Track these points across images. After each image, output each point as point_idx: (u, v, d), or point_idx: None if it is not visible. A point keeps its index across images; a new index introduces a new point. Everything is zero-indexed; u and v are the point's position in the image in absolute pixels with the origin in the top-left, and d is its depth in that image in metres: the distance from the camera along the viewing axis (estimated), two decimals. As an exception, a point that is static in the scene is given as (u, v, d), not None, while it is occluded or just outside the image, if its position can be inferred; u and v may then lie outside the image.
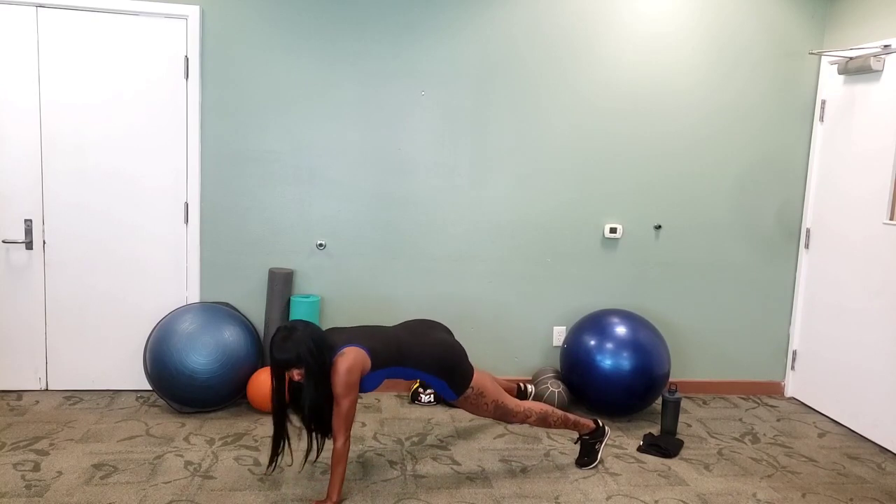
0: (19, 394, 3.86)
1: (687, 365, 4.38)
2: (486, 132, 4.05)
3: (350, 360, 2.68)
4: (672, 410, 3.60)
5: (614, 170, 4.17)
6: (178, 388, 3.57)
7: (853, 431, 3.87)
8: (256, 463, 3.14)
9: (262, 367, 3.84)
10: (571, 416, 3.19)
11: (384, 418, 3.77)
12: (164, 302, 3.93)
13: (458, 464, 3.23)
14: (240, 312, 3.97)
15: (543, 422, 3.11)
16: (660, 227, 4.24)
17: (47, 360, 3.89)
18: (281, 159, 3.93)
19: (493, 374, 4.11)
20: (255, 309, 4.01)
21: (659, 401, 4.10)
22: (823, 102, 4.19)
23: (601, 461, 3.31)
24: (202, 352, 3.56)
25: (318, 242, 4.01)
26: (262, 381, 3.66)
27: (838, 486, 3.18)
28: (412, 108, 3.98)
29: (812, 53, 4.12)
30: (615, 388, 3.69)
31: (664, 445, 3.44)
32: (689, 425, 3.85)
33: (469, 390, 2.92)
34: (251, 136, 3.89)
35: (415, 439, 3.49)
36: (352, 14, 3.88)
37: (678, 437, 3.65)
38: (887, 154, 3.66)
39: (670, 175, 4.21)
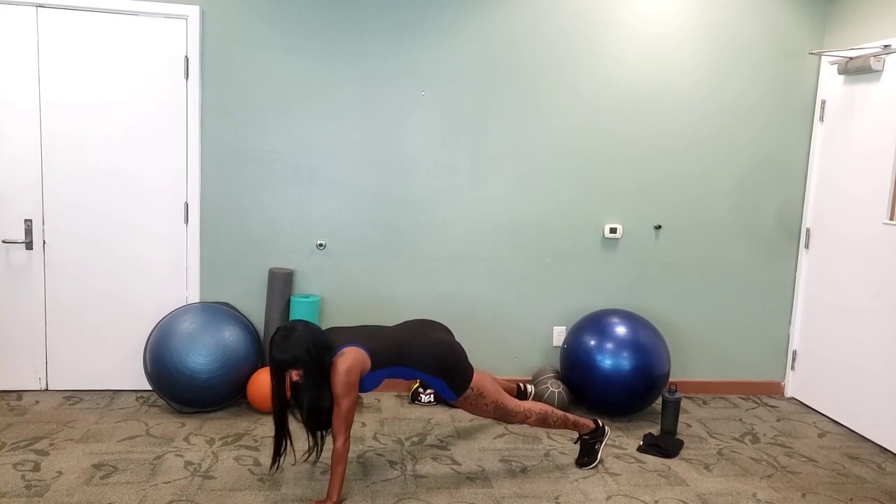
0: (19, 394, 3.86)
1: (687, 365, 4.38)
2: (486, 132, 4.05)
3: (350, 360, 2.68)
4: (672, 410, 3.60)
5: (614, 170, 4.17)
6: (178, 388, 3.57)
7: (853, 431, 3.87)
8: (256, 463, 3.14)
9: (262, 367, 3.84)
10: (571, 416, 3.19)
11: (384, 418, 3.77)
12: (164, 302, 3.93)
13: (458, 464, 3.23)
14: (240, 312, 3.97)
15: (543, 422, 3.11)
16: (660, 227, 4.24)
17: (47, 360, 3.89)
18: (281, 159, 3.93)
19: (492, 375, 4.12)
20: (255, 309, 4.01)
21: (659, 401, 4.10)
22: (823, 102, 4.19)
23: (601, 461, 3.31)
24: (202, 352, 3.56)
25: (318, 242, 4.01)
26: (262, 381, 3.66)
27: (838, 486, 3.18)
28: (412, 108, 3.98)
29: (812, 53, 4.12)
30: (615, 388, 3.69)
31: (664, 445, 3.44)
32: (689, 425, 3.85)
33: (469, 391, 2.92)
34: (251, 136, 3.90)
35: (415, 439, 3.49)
36: (352, 14, 3.88)
37: (678, 437, 3.65)
38: (887, 154, 3.66)
39: (670, 175, 4.21)
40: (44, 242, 3.80)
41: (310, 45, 3.87)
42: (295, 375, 2.68)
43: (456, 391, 2.90)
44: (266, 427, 3.56)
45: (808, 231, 4.30)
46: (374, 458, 3.24)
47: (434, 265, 4.12)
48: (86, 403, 3.77)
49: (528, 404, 3.09)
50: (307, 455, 2.96)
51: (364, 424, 3.66)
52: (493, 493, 2.95)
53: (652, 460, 3.37)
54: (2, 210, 3.75)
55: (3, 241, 3.76)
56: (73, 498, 2.75)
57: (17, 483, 2.85)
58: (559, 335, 4.26)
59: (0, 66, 3.65)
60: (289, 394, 2.79)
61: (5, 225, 3.76)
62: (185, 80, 3.80)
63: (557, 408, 3.81)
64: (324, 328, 3.92)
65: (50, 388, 3.92)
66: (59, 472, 2.96)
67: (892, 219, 3.63)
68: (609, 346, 3.71)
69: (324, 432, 2.85)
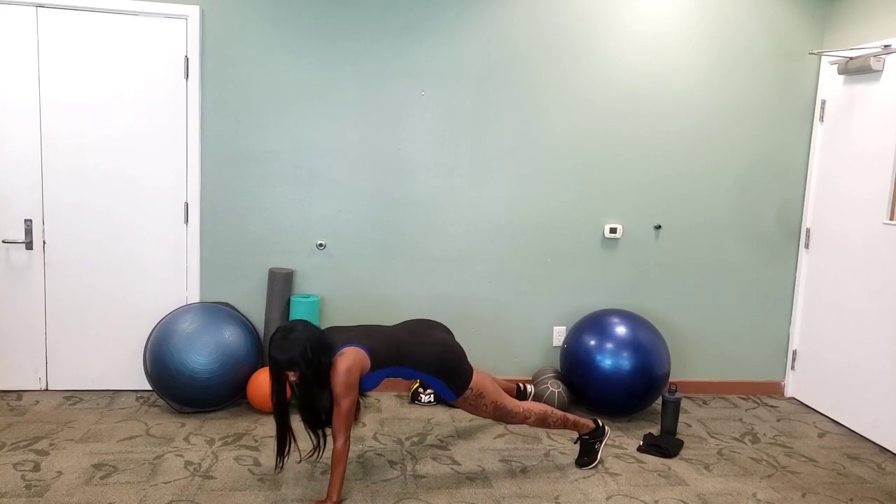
0: (19, 394, 3.86)
1: (687, 365, 4.38)
2: (486, 132, 4.05)
3: (350, 360, 2.68)
4: (672, 410, 3.60)
5: (614, 170, 4.17)
6: (178, 388, 3.57)
7: (853, 431, 3.87)
8: (256, 463, 3.14)
9: (262, 367, 3.84)
10: (571, 416, 3.19)
11: (384, 418, 3.77)
12: (164, 302, 3.93)
13: (458, 464, 3.23)
14: (240, 312, 3.97)
15: (543, 422, 3.11)
16: (660, 227, 4.24)
17: (47, 360, 3.89)
18: (281, 159, 3.93)
19: (492, 375, 4.12)
20: (255, 309, 4.01)
21: (659, 401, 4.10)
22: (823, 102, 4.19)
23: (601, 461, 3.31)
24: (202, 352, 3.56)
25: (318, 242, 4.01)
26: (262, 381, 3.66)
27: (838, 486, 3.18)
28: (412, 108, 3.98)
29: (812, 53, 4.12)
30: (615, 388, 3.69)
31: (664, 445, 3.44)
32: (689, 425, 3.85)
33: (468, 391, 2.92)
34: (251, 136, 3.90)
35: (415, 439, 3.49)
36: (352, 14, 3.88)
37: (678, 437, 3.65)
38: (887, 154, 3.66)
39: (670, 175, 4.21)
40: (44, 242, 3.80)
41: (310, 45, 3.87)
42: (292, 376, 2.69)
43: (455, 391, 2.90)
44: (266, 427, 3.56)
45: (808, 231, 4.30)
46: (374, 458, 3.24)
47: (434, 265, 4.12)
48: (86, 403, 3.77)
49: (528, 404, 3.09)
50: (312, 454, 2.96)
51: (364, 424, 3.66)
52: (493, 493, 2.95)
53: (652, 460, 3.37)
54: (2, 210, 3.75)
55: (3, 241, 3.76)
56: (73, 498, 2.75)
57: (17, 483, 2.85)
58: (559, 335, 4.26)
59: (0, 66, 3.65)
60: (289, 394, 2.79)
61: (5, 225, 3.76)
62: (185, 80, 3.80)
63: (557, 408, 3.81)
64: (324, 328, 3.92)
65: (50, 388, 3.92)
66: (59, 472, 2.96)
67: (892, 219, 3.63)
68: (609, 346, 3.71)
69: (325, 431, 2.85)
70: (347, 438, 2.72)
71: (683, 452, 3.48)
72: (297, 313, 3.82)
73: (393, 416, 3.80)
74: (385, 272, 4.09)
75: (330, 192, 3.99)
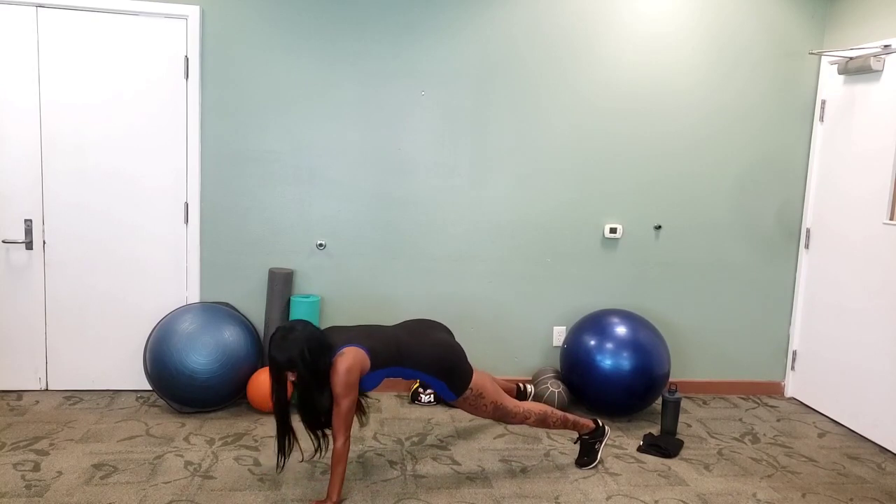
0: (19, 394, 3.86)
1: (687, 365, 4.38)
2: (486, 132, 4.05)
3: (349, 360, 2.69)
4: (672, 410, 3.60)
5: (614, 170, 4.17)
6: (178, 388, 3.57)
7: (853, 431, 3.87)
8: (256, 463, 3.14)
9: (262, 367, 3.84)
10: (571, 416, 3.19)
11: (384, 418, 3.77)
12: (164, 302, 3.93)
13: (458, 464, 3.23)
14: (240, 312, 3.97)
15: (543, 422, 3.11)
16: (660, 227, 4.24)
17: (47, 360, 3.89)
18: (281, 159, 3.93)
19: (492, 375, 4.12)
20: (255, 309, 4.01)
21: (659, 401, 4.10)
22: (823, 102, 4.19)
23: (601, 461, 3.31)
24: (202, 352, 3.56)
25: (318, 242, 4.01)
26: (262, 381, 3.66)
27: (838, 486, 3.18)
28: (412, 108, 3.98)
29: (812, 53, 4.12)
30: (615, 388, 3.69)
31: (664, 445, 3.44)
32: (689, 425, 3.85)
33: (468, 391, 2.92)
34: (251, 136, 3.90)
35: (415, 439, 3.49)
36: (352, 14, 3.88)
37: (678, 437, 3.65)
38: (887, 154, 3.66)
39: (670, 175, 4.21)
40: (44, 242, 3.80)
41: (310, 45, 3.87)
42: (290, 376, 2.69)
43: (455, 391, 2.90)
44: (266, 427, 3.56)
45: (808, 231, 4.30)
46: (374, 458, 3.24)
47: (434, 265, 4.12)
48: (86, 403, 3.77)
49: (528, 405, 3.09)
50: (314, 454, 2.96)
51: (364, 424, 3.66)
52: (493, 493, 2.95)
53: (652, 460, 3.37)
54: (2, 210, 3.75)
55: (3, 241, 3.76)
56: (73, 498, 2.75)
57: (17, 483, 2.85)
58: (559, 335, 4.26)
59: (0, 66, 3.65)
60: (290, 393, 2.79)
61: (5, 225, 3.76)
62: (185, 80, 3.80)
63: (557, 408, 3.82)
64: (324, 328, 3.92)
65: (50, 388, 3.92)
66: (59, 472, 2.96)
67: (892, 219, 3.63)
68: (609, 346, 3.71)
69: (324, 431, 2.85)
70: (347, 438, 2.72)
71: (683, 452, 3.48)
72: (297, 313, 3.81)
73: (393, 416, 3.80)
74: (385, 272, 4.09)
75: (330, 192, 3.99)
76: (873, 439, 3.73)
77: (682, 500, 2.97)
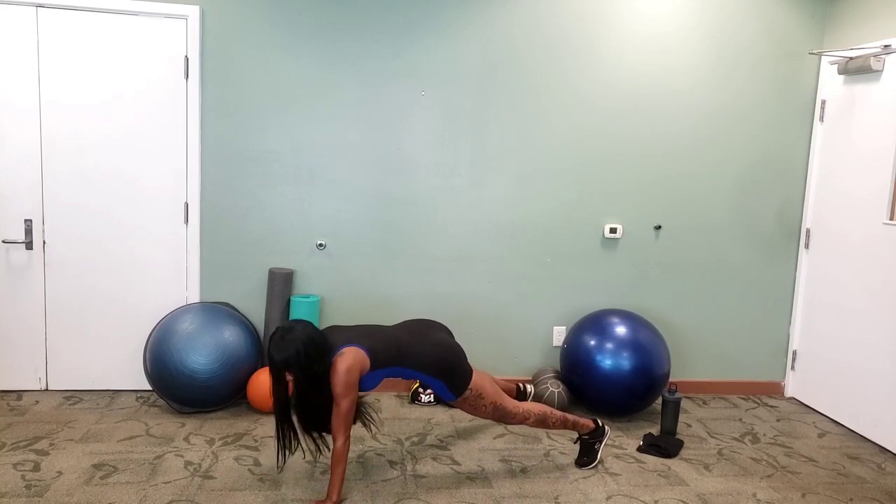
0: (19, 394, 3.86)
1: (687, 365, 4.38)
2: (486, 132, 4.05)
3: (349, 360, 2.69)
4: (672, 410, 3.60)
5: (614, 170, 4.17)
6: (178, 388, 3.57)
7: (853, 431, 3.87)
8: (256, 463, 3.14)
9: (262, 367, 3.84)
10: (570, 417, 3.19)
11: (384, 418, 3.77)
12: (164, 302, 3.93)
13: (458, 464, 3.23)
14: (240, 312, 3.97)
15: (542, 423, 3.11)
16: (660, 227, 4.24)
17: (47, 360, 3.89)
18: (281, 159, 3.93)
19: (492, 375, 4.12)
20: (255, 309, 4.01)
21: (659, 401, 4.10)
22: (823, 102, 4.19)
23: (601, 461, 3.31)
24: (202, 352, 3.56)
25: (318, 242, 4.01)
26: (262, 381, 3.66)
27: (838, 486, 3.18)
28: (412, 108, 3.98)
29: (812, 53, 4.12)
30: (615, 388, 3.69)
31: (664, 445, 3.44)
32: (689, 425, 3.85)
33: (468, 391, 2.92)
34: (251, 136, 3.90)
35: (415, 439, 3.49)
36: (352, 14, 3.88)
37: (678, 437, 3.65)
38: (887, 154, 3.66)
39: (670, 175, 4.21)
40: (44, 242, 3.80)
41: (310, 45, 3.87)
42: (288, 376, 2.69)
43: (455, 392, 2.90)
44: (266, 427, 3.56)
45: (808, 231, 4.30)
46: (374, 458, 3.24)
47: (434, 265, 4.12)
48: (86, 403, 3.77)
49: (527, 405, 3.09)
50: (316, 455, 2.96)
51: (364, 424, 3.65)
52: (493, 493, 2.95)
53: (652, 460, 3.37)
54: (2, 210, 3.75)
55: (3, 241, 3.76)
56: (73, 498, 2.75)
57: (17, 483, 2.85)
58: (559, 335, 4.26)
59: (0, 66, 3.65)
60: (290, 392, 2.79)
61: (5, 225, 3.76)
62: (185, 80, 3.80)
63: (557, 408, 3.82)
64: (324, 327, 3.92)
65: (50, 388, 3.92)
66: (59, 472, 2.96)
67: (892, 219, 3.63)
68: (609, 346, 3.71)
69: (319, 434, 2.84)
70: (347, 438, 2.72)
71: (683, 452, 3.48)
72: (297, 313, 3.82)
73: (393, 416, 3.80)
74: (385, 272, 4.09)
75: (330, 192, 3.99)
76: (873, 439, 3.73)
77: (682, 500, 2.97)
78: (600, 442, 3.26)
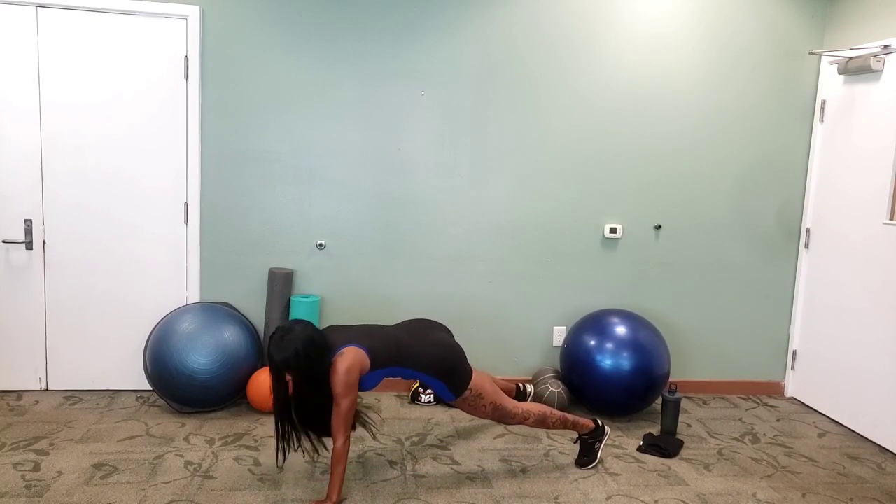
0: (19, 394, 3.86)
1: (687, 365, 4.38)
2: (486, 132, 4.05)
3: (349, 359, 2.69)
4: (672, 410, 3.60)
5: (614, 170, 4.17)
6: (178, 388, 3.57)
7: (853, 431, 3.87)
8: (256, 463, 3.14)
9: (262, 367, 3.84)
10: (570, 417, 3.19)
11: (384, 418, 3.77)
12: (164, 302, 3.93)
13: (458, 464, 3.23)
14: (240, 312, 3.97)
15: (542, 423, 3.11)
16: (660, 227, 4.24)
17: (47, 360, 3.89)
18: (281, 159, 3.93)
19: (492, 375, 4.12)
20: (255, 309, 4.01)
21: (659, 401, 4.10)
22: (823, 102, 4.19)
23: (601, 461, 3.31)
24: (202, 352, 3.56)
25: (318, 242, 4.01)
26: (262, 381, 3.66)
27: (838, 486, 3.18)
28: (412, 108, 3.98)
29: (812, 53, 4.12)
30: (615, 388, 3.69)
31: (664, 445, 3.44)
32: (689, 425, 3.85)
33: (467, 392, 2.92)
34: (251, 136, 3.90)
35: (415, 439, 3.49)
36: (352, 14, 3.88)
37: (678, 437, 3.65)
38: (887, 154, 3.66)
39: (670, 175, 4.21)
40: (44, 242, 3.80)
41: (310, 45, 3.87)
42: (286, 376, 2.69)
43: (454, 392, 2.90)
44: (266, 427, 3.56)
45: (808, 231, 4.30)
46: (374, 458, 3.24)
47: (434, 265, 4.12)
48: (86, 403, 3.77)
49: (527, 405, 3.09)
50: (315, 454, 2.96)
51: (363, 425, 3.65)
52: (493, 493, 2.95)
53: (652, 460, 3.37)
54: (2, 210, 3.75)
55: (3, 241, 3.76)
56: (73, 498, 2.75)
57: (17, 483, 2.85)
58: (559, 335, 4.26)
59: (0, 66, 3.65)
60: (290, 392, 2.79)
61: (5, 225, 3.76)
62: (185, 80, 3.80)
63: (557, 408, 3.82)
64: (324, 327, 3.92)
65: (50, 388, 3.92)
66: (59, 472, 2.96)
67: (892, 219, 3.63)
68: (609, 346, 3.71)
69: (318, 435, 2.84)
70: (347, 438, 2.72)
71: (683, 452, 3.48)
72: (297, 313, 3.82)
73: (393, 416, 3.80)
74: (385, 272, 4.09)
75: (330, 192, 3.99)
76: (873, 439, 3.73)
77: (682, 500, 2.97)
78: (600, 442, 3.26)
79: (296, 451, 2.85)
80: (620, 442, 3.57)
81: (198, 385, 3.55)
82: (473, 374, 2.95)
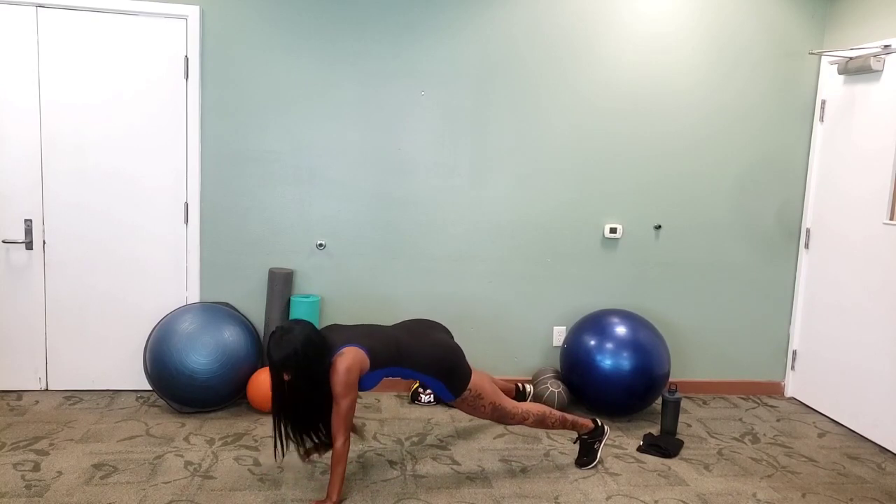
0: (19, 394, 3.86)
1: (687, 365, 4.38)
2: (486, 132, 4.05)
3: (349, 359, 2.69)
4: (672, 410, 3.60)
5: (614, 170, 4.17)
6: (178, 388, 3.57)
7: (853, 431, 3.87)
8: (256, 463, 3.14)
9: (262, 367, 3.84)
10: (570, 417, 3.19)
11: (384, 418, 3.77)
12: (164, 302, 3.93)
13: (458, 464, 3.23)
14: (240, 312, 3.97)
15: (542, 423, 3.11)
16: (660, 227, 4.24)
17: (47, 360, 3.89)
18: (281, 159, 3.93)
19: (491, 375, 4.12)
20: (255, 309, 4.01)
21: (659, 401, 4.10)
22: (823, 102, 4.19)
23: (601, 461, 3.31)
24: (202, 352, 3.56)
25: (318, 242, 4.01)
26: (262, 381, 3.66)
27: (838, 486, 3.18)
28: (412, 108, 3.98)
29: (812, 53, 4.12)
30: (615, 388, 3.69)
31: (664, 445, 3.44)
32: (689, 425, 3.85)
33: (467, 392, 2.92)
34: (251, 136, 3.90)
35: (415, 439, 3.49)
36: (352, 14, 3.88)
37: (678, 437, 3.65)
38: (887, 154, 3.66)
39: (670, 175, 4.21)
40: (44, 242, 3.80)
41: (310, 45, 3.87)
42: (285, 376, 2.69)
43: (454, 392, 2.90)
44: (266, 427, 3.56)
45: (808, 231, 4.30)
46: (374, 458, 3.24)
47: (434, 265, 4.12)
48: (86, 403, 3.77)
49: (527, 405, 3.09)
50: (314, 453, 2.95)
51: (364, 424, 3.66)
52: (493, 493, 2.95)
53: (652, 460, 3.37)
54: (2, 210, 3.75)
55: (3, 241, 3.76)
56: (73, 498, 2.76)
57: (17, 483, 2.85)
58: (559, 335, 4.26)
59: (0, 66, 3.65)
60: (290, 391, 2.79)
61: (5, 225, 3.76)
62: (185, 80, 3.80)
63: (557, 408, 3.82)
64: (323, 327, 3.92)
65: (50, 388, 3.92)
66: (59, 472, 2.96)
67: (892, 219, 3.63)
68: (609, 346, 3.71)
69: (313, 434, 2.83)
70: (347, 438, 2.72)
71: (683, 452, 3.48)
72: (297, 313, 3.82)
73: (393, 416, 3.80)
74: (385, 272, 4.09)
75: (330, 192, 3.99)
76: (873, 439, 3.73)
77: (682, 500, 2.97)
78: (600, 442, 3.26)
79: (301, 446, 2.84)
80: (620, 442, 3.57)
81: (198, 385, 3.55)
82: (473, 375, 2.95)
